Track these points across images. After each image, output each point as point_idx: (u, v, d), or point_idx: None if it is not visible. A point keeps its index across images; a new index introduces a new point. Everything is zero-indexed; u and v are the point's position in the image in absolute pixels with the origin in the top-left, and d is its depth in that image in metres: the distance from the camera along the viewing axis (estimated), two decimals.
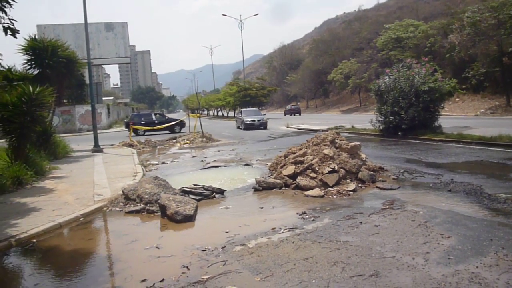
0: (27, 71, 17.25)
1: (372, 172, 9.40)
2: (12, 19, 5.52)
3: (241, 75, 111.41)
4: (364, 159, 9.92)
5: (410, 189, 8.43)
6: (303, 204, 7.67)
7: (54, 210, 8.06)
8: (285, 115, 58.51)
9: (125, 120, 39.84)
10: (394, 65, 19.64)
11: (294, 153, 10.07)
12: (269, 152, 15.80)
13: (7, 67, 16.20)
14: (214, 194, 8.74)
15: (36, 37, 17.57)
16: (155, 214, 7.64)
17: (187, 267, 4.96)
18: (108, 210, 8.21)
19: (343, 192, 8.32)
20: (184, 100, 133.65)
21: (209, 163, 13.75)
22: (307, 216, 6.82)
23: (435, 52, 42.92)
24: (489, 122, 23.94)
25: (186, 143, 21.90)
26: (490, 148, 13.35)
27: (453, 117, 30.99)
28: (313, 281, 4.35)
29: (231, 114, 72.51)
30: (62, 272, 5.28)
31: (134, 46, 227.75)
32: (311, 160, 9.27)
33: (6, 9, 5.16)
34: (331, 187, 8.58)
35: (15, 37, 5.14)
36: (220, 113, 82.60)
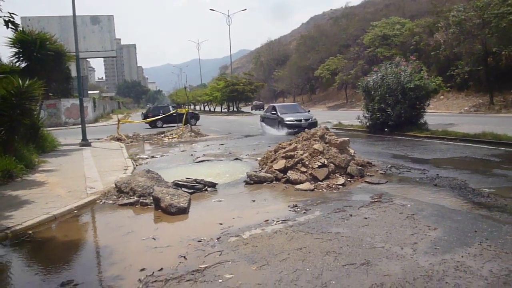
0: (14, 64, 17.10)
1: (360, 167, 9.64)
2: (12, 13, 5.59)
3: (228, 70, 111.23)
4: (352, 154, 10.14)
5: (397, 184, 8.68)
6: (294, 198, 7.86)
7: (47, 203, 8.12)
8: (251, 110, 67.31)
9: (142, 112, 40.79)
10: (382, 63, 19.93)
11: (285, 148, 10.25)
12: (258, 147, 15.97)
13: None
14: (206, 187, 8.88)
15: (23, 29, 17.39)
16: (149, 206, 7.76)
17: (184, 257, 5.10)
18: (101, 202, 8.29)
19: (333, 186, 8.53)
20: (170, 94, 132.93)
21: (199, 157, 13.86)
22: (298, 209, 7.01)
23: (421, 50, 43.48)
24: (473, 119, 24.43)
25: (175, 137, 21.94)
26: (474, 145, 13.71)
27: (438, 114, 31.53)
28: (307, 269, 4.54)
29: (218, 109, 72.56)
30: (61, 262, 5.39)
31: (119, 39, 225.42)
32: (302, 154, 9.46)
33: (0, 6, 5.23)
34: (321, 181, 8.78)
35: (16, 30, 5.18)
36: (207, 108, 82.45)
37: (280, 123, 22.07)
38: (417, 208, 6.70)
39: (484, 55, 30.37)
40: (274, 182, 9.19)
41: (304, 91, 77.10)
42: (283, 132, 21.18)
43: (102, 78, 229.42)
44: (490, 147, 13.13)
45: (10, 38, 16.74)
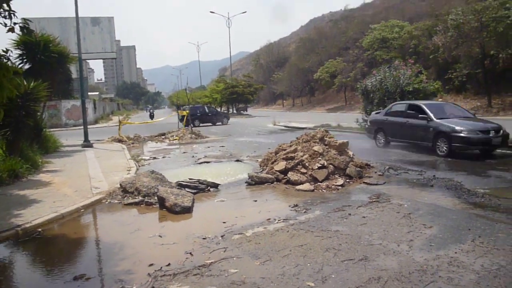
0: (18, 66, 17.33)
1: (359, 168, 9.90)
2: (27, 19, 5.83)
3: (227, 71, 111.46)
4: (351, 156, 10.38)
5: (395, 184, 8.93)
6: (295, 198, 8.11)
7: (54, 202, 8.35)
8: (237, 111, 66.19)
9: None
10: (381, 66, 20.17)
11: (285, 150, 10.50)
12: (258, 149, 16.20)
13: None
14: (209, 187, 9.12)
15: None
16: (154, 206, 7.99)
17: (190, 253, 5.34)
18: (107, 202, 8.52)
19: (332, 186, 8.78)
20: (169, 96, 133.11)
21: (200, 158, 14.09)
22: (299, 208, 7.26)
23: (419, 53, 43.76)
24: None
25: (175, 139, 22.17)
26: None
27: None
28: (308, 264, 4.78)
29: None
30: (72, 258, 5.63)
31: (119, 41, 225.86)
32: (302, 156, 9.71)
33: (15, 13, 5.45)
34: (321, 182, 9.03)
35: (30, 36, 5.41)
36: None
37: (438, 135, 12.79)
38: (414, 208, 6.95)
39: (482, 58, 30.67)
40: (275, 183, 9.43)
41: (303, 93, 77.37)
42: (442, 151, 12.58)
43: (101, 79, 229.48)
44: None
45: (14, 40, 16.97)
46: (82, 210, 7.94)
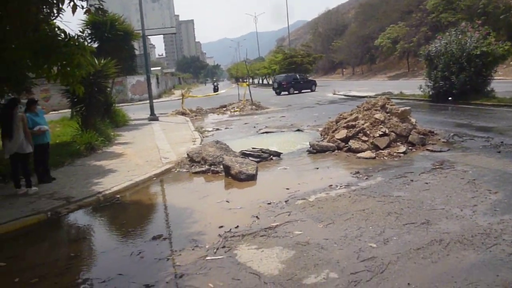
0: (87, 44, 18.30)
1: (422, 136, 9.75)
2: (102, 1, 6.27)
3: (285, 42, 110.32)
4: (414, 123, 10.24)
5: (460, 151, 8.75)
6: (356, 165, 8.21)
7: (129, 171, 9.01)
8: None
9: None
10: (448, 30, 19.26)
11: (346, 118, 10.53)
12: (318, 118, 16.24)
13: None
14: (271, 156, 9.41)
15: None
16: (219, 174, 8.41)
17: (256, 216, 5.67)
18: (176, 171, 9.07)
19: (394, 154, 8.77)
20: (228, 69, 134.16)
21: (262, 129, 14.41)
22: (360, 175, 7.37)
23: (489, 13, 41.06)
24: None
25: (236, 110, 22.63)
26: None
27: (508, 81, 30.02)
28: (370, 227, 4.96)
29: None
30: (148, 220, 6.16)
31: (178, 15, 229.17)
32: (363, 124, 9.72)
33: None
34: (382, 149, 9.03)
35: (105, 17, 5.86)
36: (265, 81, 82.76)
37: None
38: (479, 174, 6.85)
39: None
40: (336, 151, 9.54)
41: (363, 61, 75.28)
42: None
43: (162, 54, 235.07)
44: None
45: (83, 20, 17.94)
46: (154, 178, 8.53)
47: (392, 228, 4.89)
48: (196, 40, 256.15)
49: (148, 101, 21.65)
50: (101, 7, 6.10)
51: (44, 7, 6.28)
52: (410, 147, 9.24)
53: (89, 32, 17.79)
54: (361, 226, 5.03)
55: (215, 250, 4.69)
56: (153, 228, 5.77)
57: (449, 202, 5.62)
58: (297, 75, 41.01)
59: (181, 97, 25.44)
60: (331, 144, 9.67)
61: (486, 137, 9.97)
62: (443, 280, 3.66)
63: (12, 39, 6.87)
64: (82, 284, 4.28)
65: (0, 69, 8.86)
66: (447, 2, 47.26)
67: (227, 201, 6.52)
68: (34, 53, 7.02)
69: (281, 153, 9.63)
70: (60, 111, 27.14)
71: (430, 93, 19.22)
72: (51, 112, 28.47)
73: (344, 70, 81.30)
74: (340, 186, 6.77)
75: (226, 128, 15.78)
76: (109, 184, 7.93)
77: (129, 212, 6.66)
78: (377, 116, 9.85)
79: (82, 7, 5.76)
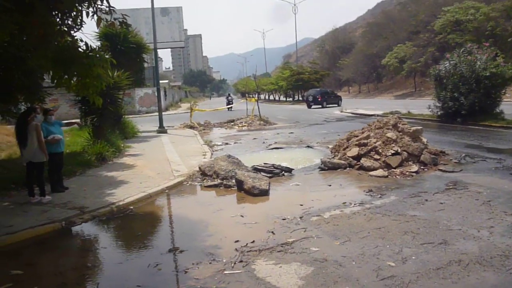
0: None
1: (434, 156, 9.77)
2: (125, 15, 6.40)
3: (291, 58, 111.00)
4: (425, 143, 10.26)
5: (472, 172, 8.75)
6: (369, 183, 8.22)
7: (141, 183, 9.04)
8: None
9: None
10: (455, 50, 19.39)
11: (357, 136, 10.57)
12: (327, 135, 16.28)
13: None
14: (283, 172, 9.43)
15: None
16: (232, 188, 8.43)
17: (272, 232, 5.68)
18: (188, 184, 9.10)
19: (406, 173, 8.78)
20: (234, 84, 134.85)
21: (271, 144, 14.44)
22: (374, 193, 7.39)
23: (496, 36, 41.26)
24: None
25: (244, 125, 22.72)
26: None
27: None
28: (387, 246, 4.96)
29: (282, 98, 73.06)
30: (163, 232, 6.19)
31: (186, 30, 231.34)
32: (375, 142, 9.75)
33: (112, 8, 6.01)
34: (394, 168, 9.05)
35: (128, 30, 5.96)
36: (271, 97, 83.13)
37: None
38: (493, 195, 6.84)
39: None
40: (348, 168, 9.56)
41: (370, 79, 75.57)
42: None
43: (169, 67, 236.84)
44: None
45: (96, 32, 18.14)
46: (166, 191, 8.56)
47: (410, 247, 4.89)
48: (204, 54, 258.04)
49: (155, 114, 21.81)
50: (125, 20, 6.23)
51: (67, 19, 6.41)
52: (422, 167, 9.25)
53: (100, 44, 17.98)
54: (378, 244, 5.03)
55: (232, 265, 4.69)
56: (168, 240, 5.79)
57: (465, 222, 5.62)
58: (328, 90, 43.87)
59: (189, 110, 25.58)
60: (342, 162, 9.69)
61: (498, 158, 9.97)
62: None
63: (33, 48, 6.99)
64: None
65: (18, 77, 9.01)
66: (455, 23, 47.58)
67: (241, 216, 6.54)
68: (54, 63, 7.12)
69: (293, 169, 9.65)
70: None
71: (439, 113, 19.26)
72: None
73: (350, 88, 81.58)
74: (354, 204, 6.78)
75: (235, 143, 15.83)
76: (122, 195, 7.96)
77: (143, 224, 6.68)
78: (389, 134, 9.88)
79: (107, 21, 5.87)
